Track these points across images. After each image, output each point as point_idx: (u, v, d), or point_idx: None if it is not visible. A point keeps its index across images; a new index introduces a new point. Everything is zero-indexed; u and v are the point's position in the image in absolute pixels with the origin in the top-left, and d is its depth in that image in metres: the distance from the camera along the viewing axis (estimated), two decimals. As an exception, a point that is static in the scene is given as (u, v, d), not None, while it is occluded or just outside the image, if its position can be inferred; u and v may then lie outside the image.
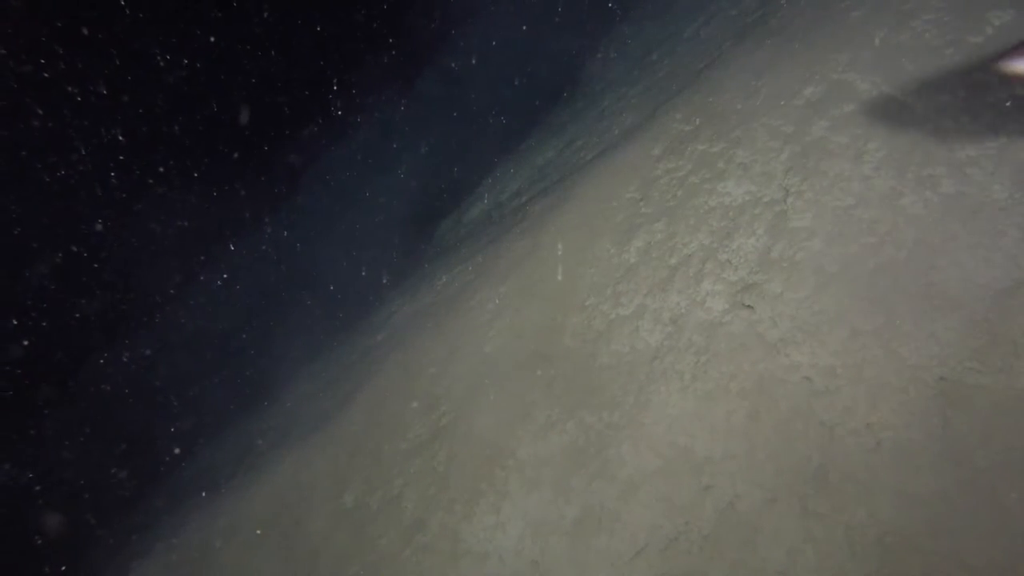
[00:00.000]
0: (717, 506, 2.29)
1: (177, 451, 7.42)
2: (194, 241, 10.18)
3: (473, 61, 9.59)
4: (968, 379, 1.98)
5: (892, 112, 2.61)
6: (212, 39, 9.62)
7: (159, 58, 9.42)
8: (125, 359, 9.67)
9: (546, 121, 6.73)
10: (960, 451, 1.92)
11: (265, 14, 9.92)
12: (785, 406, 2.28)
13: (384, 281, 5.77)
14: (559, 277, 3.46)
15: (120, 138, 9.52)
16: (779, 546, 2.10)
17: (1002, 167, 2.23)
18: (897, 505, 1.95)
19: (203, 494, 5.22)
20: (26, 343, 9.27)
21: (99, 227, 9.66)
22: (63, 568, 7.18)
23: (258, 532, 4.00)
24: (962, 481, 1.88)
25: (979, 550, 1.79)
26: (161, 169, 9.98)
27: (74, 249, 9.63)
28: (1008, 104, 2.33)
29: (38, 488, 8.61)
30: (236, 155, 10.45)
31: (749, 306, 2.55)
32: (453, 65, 9.98)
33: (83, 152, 9.26)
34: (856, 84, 2.81)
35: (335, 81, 10.65)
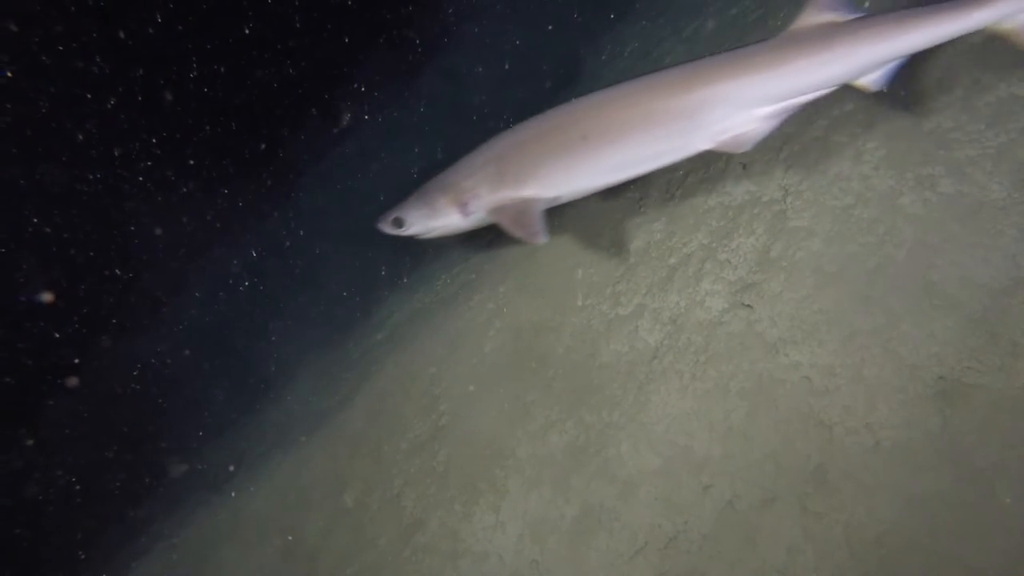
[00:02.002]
0: (716, 505, 2.29)
1: (177, 451, 7.43)
2: (196, 241, 10.19)
3: (475, 61, 9.58)
4: (967, 378, 1.98)
5: (892, 112, 2.61)
6: (240, 38, 9.66)
7: (193, 63, 9.49)
8: (126, 359, 9.67)
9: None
10: (959, 450, 1.92)
11: (298, 24, 9.98)
12: (784, 405, 2.28)
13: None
14: (558, 277, 3.46)
15: (154, 141, 9.62)
16: (778, 545, 2.10)
17: (1001, 167, 2.23)
18: (896, 504, 1.95)
19: (203, 494, 5.22)
20: (31, 341, 9.31)
21: (109, 227, 9.72)
22: (63, 568, 7.18)
23: (258, 532, 4.01)
24: (961, 480, 1.88)
25: (978, 549, 1.79)
26: (166, 168, 10.02)
27: (83, 249, 9.67)
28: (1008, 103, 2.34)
29: (39, 488, 8.61)
30: (240, 156, 10.47)
31: (748, 305, 2.55)
32: (456, 65, 9.98)
33: (112, 154, 9.36)
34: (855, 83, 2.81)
35: (344, 81, 10.67)
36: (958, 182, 2.28)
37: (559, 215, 3.85)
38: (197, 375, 8.94)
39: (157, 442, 8.32)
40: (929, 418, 2.00)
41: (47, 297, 9.11)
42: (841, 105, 2.79)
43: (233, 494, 4.62)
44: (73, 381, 8.78)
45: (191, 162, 10.10)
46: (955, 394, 1.98)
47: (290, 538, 3.53)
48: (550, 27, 8.30)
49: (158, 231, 9.83)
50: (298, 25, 10.08)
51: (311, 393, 5.23)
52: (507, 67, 8.68)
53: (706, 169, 3.14)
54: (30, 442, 8.64)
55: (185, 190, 10.05)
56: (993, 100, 2.37)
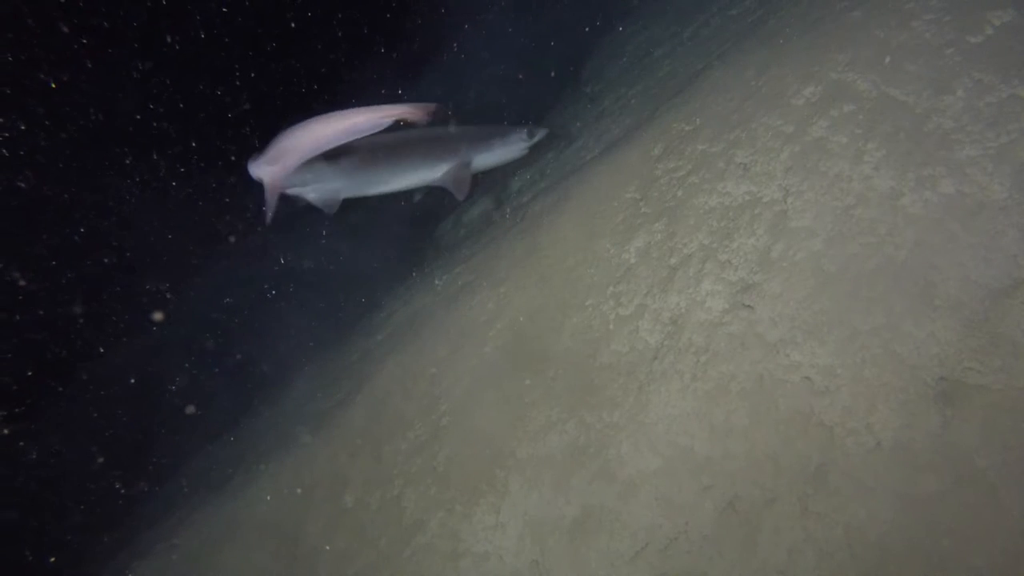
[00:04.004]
0: (717, 506, 2.29)
1: (177, 451, 7.42)
2: (194, 240, 10.19)
3: (474, 61, 9.60)
4: (968, 379, 1.98)
5: (892, 112, 2.61)
6: (271, 43, 9.75)
7: (233, 67, 9.58)
8: (125, 358, 9.67)
9: (546, 121, 6.73)
10: (960, 451, 1.92)
11: (335, 31, 10.07)
12: (785, 406, 2.28)
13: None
14: (559, 277, 3.46)
15: (193, 144, 9.69)
16: (779, 546, 2.10)
17: (1002, 167, 2.23)
18: (897, 505, 1.95)
19: (203, 494, 5.22)
20: (28, 340, 9.30)
21: (108, 225, 9.74)
22: (63, 568, 7.18)
23: (258, 532, 4.00)
24: (961, 481, 1.88)
25: (979, 550, 1.79)
26: (165, 167, 10.04)
27: (81, 248, 9.68)
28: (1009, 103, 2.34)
29: (39, 487, 8.61)
30: (238, 155, 10.47)
31: (749, 306, 2.55)
32: (455, 65, 10.00)
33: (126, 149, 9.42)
34: (856, 84, 2.81)
35: (342, 81, 10.70)
36: (959, 182, 2.28)
37: (560, 214, 3.85)
38: (196, 375, 8.94)
39: (157, 442, 8.32)
40: (930, 419, 2.00)
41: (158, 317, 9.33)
42: (842, 106, 2.79)
43: (233, 494, 4.62)
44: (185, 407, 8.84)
45: (185, 160, 10.15)
46: (956, 395, 1.98)
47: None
48: (549, 28, 8.33)
49: (153, 231, 9.85)
50: (339, 33, 10.19)
51: (311, 393, 5.22)
52: (504, 68, 8.73)
53: (707, 169, 3.14)
54: (95, 451, 8.62)
55: (179, 188, 10.09)
56: (994, 100, 2.37)
